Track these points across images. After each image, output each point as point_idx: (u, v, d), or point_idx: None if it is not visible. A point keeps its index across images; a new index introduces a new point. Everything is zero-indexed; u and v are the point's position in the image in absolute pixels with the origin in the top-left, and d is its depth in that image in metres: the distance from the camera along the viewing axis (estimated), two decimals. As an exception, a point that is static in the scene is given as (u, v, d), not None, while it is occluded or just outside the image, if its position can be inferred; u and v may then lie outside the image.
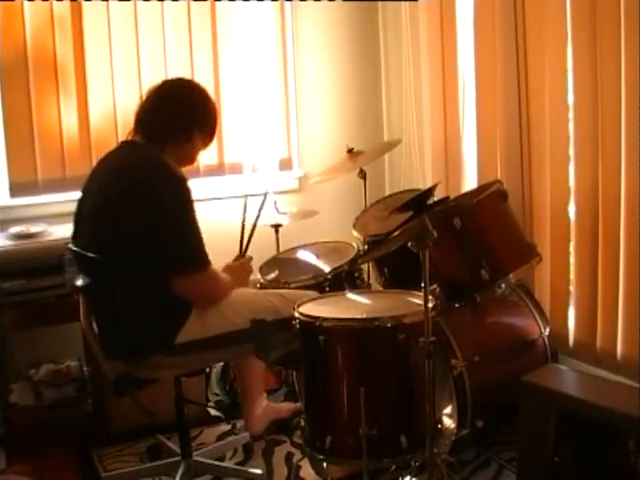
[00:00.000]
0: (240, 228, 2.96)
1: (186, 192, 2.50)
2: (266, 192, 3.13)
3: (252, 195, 3.10)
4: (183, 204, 2.50)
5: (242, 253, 2.91)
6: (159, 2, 3.88)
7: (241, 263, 2.87)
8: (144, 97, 2.66)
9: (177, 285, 2.49)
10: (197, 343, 2.54)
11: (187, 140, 2.65)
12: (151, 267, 2.48)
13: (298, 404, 3.17)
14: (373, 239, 3.23)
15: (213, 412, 3.43)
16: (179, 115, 2.62)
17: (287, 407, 3.20)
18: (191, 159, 2.72)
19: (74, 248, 2.61)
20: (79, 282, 2.57)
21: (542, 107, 3.31)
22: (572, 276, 3.31)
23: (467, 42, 3.74)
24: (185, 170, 2.61)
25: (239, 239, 2.95)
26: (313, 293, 2.81)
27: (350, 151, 3.71)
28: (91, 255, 2.50)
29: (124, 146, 2.67)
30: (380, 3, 4.36)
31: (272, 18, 4.20)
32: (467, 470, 2.82)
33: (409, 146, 4.23)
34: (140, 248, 2.47)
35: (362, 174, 3.74)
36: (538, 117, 3.34)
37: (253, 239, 2.95)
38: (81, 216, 2.67)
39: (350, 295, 2.76)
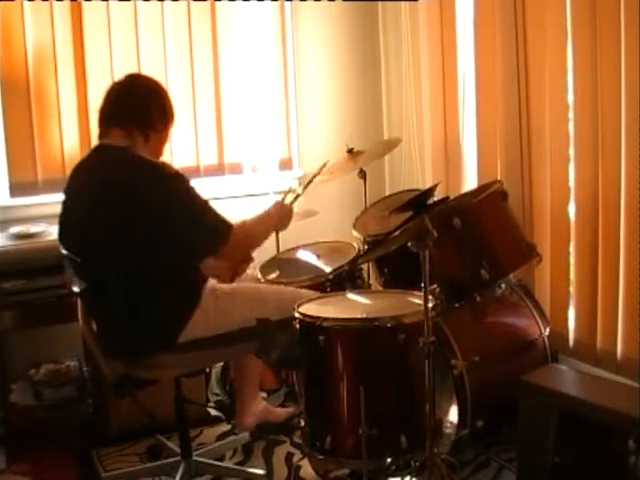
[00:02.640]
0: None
1: (182, 187, 2.50)
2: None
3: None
4: (182, 200, 2.49)
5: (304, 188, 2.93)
6: (159, 2, 3.88)
7: (287, 204, 2.84)
8: (110, 93, 2.64)
9: (219, 258, 2.55)
10: (200, 342, 2.55)
11: (163, 128, 2.66)
12: (152, 267, 2.49)
13: (291, 409, 3.19)
14: (373, 239, 3.23)
15: (213, 412, 3.43)
16: (155, 103, 2.64)
17: (281, 412, 3.21)
18: (162, 151, 2.72)
19: (69, 254, 2.61)
20: (76, 288, 2.57)
21: (542, 107, 3.31)
22: (572, 276, 3.31)
23: (467, 42, 3.74)
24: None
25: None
26: (317, 294, 2.82)
27: (350, 151, 3.71)
28: (89, 259, 2.51)
29: (106, 150, 2.60)
30: (380, 3, 4.36)
31: (272, 18, 4.20)
32: (467, 470, 2.82)
33: (409, 146, 4.23)
34: (140, 251, 2.47)
35: (362, 174, 3.74)
36: (538, 117, 3.34)
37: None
38: (69, 220, 2.65)
39: (350, 295, 2.76)
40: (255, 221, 2.72)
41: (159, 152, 2.70)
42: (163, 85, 2.73)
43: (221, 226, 2.54)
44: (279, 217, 2.79)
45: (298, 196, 2.92)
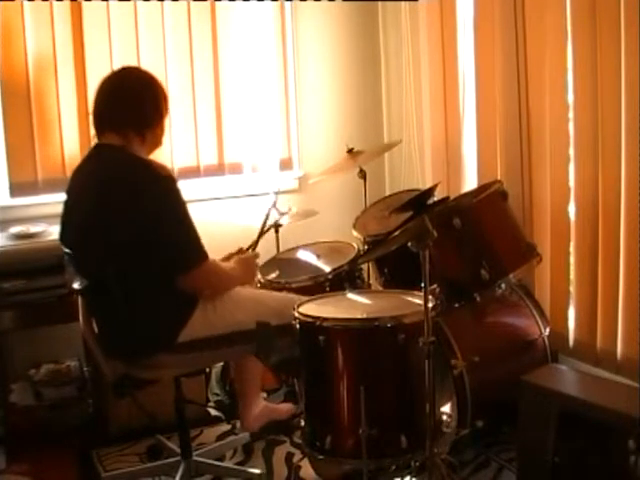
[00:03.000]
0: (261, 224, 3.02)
1: (174, 190, 2.50)
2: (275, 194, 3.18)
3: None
4: (172, 203, 2.49)
5: (253, 247, 2.94)
6: (159, 2, 3.88)
7: (248, 257, 2.85)
8: (101, 93, 2.63)
9: (182, 282, 2.51)
10: (200, 342, 2.55)
11: (159, 122, 2.64)
12: (151, 268, 2.49)
13: (296, 405, 3.18)
14: (373, 239, 3.23)
15: (213, 412, 3.43)
16: (147, 100, 2.61)
17: (285, 408, 3.20)
18: (161, 142, 2.70)
19: (67, 250, 2.61)
20: (76, 285, 2.57)
21: (542, 107, 3.31)
22: (572, 276, 3.31)
23: (467, 42, 3.74)
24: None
25: (257, 234, 3.01)
26: None
27: (350, 151, 3.71)
28: (89, 258, 2.51)
29: (102, 150, 2.61)
30: (380, 3, 4.36)
31: (272, 18, 4.20)
32: (467, 470, 2.82)
33: (409, 146, 4.23)
34: (138, 251, 2.47)
35: (362, 174, 3.74)
36: (538, 117, 3.34)
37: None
38: (70, 220, 2.65)
39: (350, 295, 2.76)
40: (226, 266, 2.73)
41: (158, 143, 2.68)
42: (155, 76, 2.67)
43: (199, 249, 2.52)
44: (244, 273, 2.77)
45: (255, 246, 2.98)
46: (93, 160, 2.64)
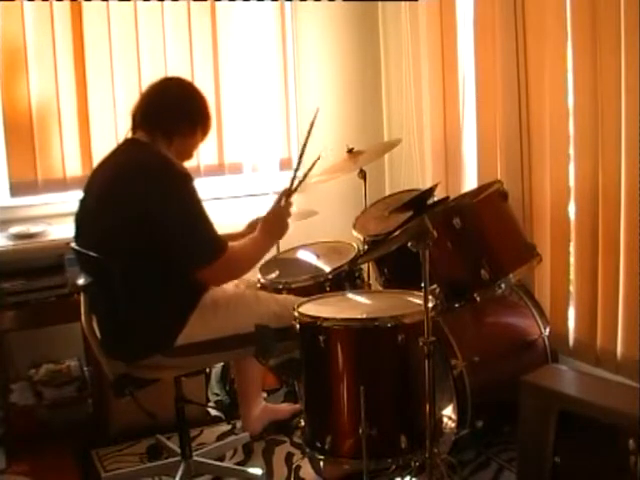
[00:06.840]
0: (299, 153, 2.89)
1: (191, 188, 2.51)
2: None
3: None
4: (189, 200, 2.50)
5: (292, 189, 2.80)
6: (159, 2, 3.88)
7: (280, 210, 2.76)
8: (144, 93, 2.68)
9: (202, 277, 2.52)
10: (198, 345, 2.54)
11: (191, 134, 2.67)
12: (157, 265, 2.49)
13: (297, 405, 3.18)
14: (373, 239, 3.23)
15: (213, 412, 3.43)
16: (185, 109, 2.66)
17: (286, 408, 3.20)
18: (190, 154, 2.74)
19: (76, 247, 2.61)
20: (80, 281, 2.58)
21: (542, 107, 3.31)
22: (572, 276, 3.31)
23: (467, 42, 3.74)
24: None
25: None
26: None
27: (350, 151, 3.71)
28: (95, 255, 2.50)
29: (128, 144, 2.66)
30: (380, 3, 4.36)
31: (272, 18, 4.20)
32: (467, 470, 2.82)
33: (409, 146, 4.23)
34: (147, 249, 2.47)
35: (362, 174, 3.73)
36: (538, 117, 3.34)
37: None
38: (83, 215, 2.67)
39: (350, 295, 2.76)
40: (250, 242, 2.68)
41: (186, 154, 2.71)
42: (202, 94, 2.74)
43: (217, 242, 2.52)
44: (270, 234, 2.74)
45: (291, 194, 2.79)
46: (116, 153, 2.68)
